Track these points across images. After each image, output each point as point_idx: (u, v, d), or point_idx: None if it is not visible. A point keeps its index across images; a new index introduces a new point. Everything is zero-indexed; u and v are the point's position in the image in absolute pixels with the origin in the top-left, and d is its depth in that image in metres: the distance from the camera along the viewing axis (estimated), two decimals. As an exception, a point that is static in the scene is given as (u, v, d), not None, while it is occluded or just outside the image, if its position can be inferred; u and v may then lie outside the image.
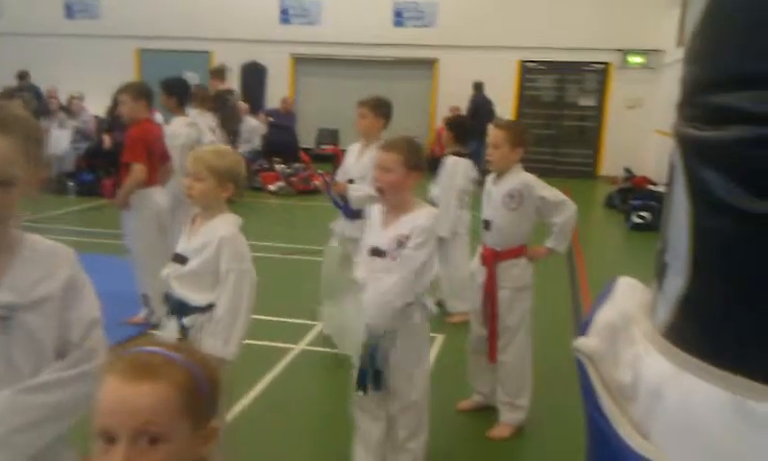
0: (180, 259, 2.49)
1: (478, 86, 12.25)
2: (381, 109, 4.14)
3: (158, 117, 7.11)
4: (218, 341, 2.34)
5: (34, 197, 1.41)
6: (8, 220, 1.39)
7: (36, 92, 11.81)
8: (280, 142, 11.48)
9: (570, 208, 3.29)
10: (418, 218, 2.57)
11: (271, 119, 11.85)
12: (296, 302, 4.93)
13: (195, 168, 2.46)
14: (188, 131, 5.23)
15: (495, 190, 3.31)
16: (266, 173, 10.72)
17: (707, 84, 0.68)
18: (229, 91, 9.87)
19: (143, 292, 4.58)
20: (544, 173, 3.45)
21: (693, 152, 0.71)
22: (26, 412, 1.38)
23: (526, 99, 13.73)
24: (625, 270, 0.94)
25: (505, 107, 12.49)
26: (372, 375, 2.62)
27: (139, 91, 4.66)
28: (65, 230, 7.67)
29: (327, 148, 12.78)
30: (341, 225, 4.17)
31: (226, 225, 2.47)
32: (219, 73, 9.63)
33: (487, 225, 3.33)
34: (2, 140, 1.31)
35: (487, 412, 3.50)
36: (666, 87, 11.71)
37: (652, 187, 9.50)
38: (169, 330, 2.50)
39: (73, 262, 1.49)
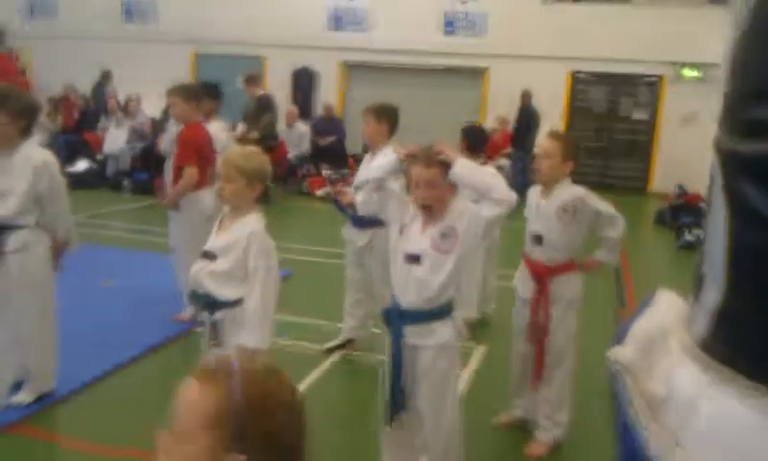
0: (210, 256, 2.60)
1: (526, 96, 12.03)
2: (384, 115, 4.08)
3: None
4: (252, 333, 2.48)
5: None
6: None
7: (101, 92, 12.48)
8: (324, 148, 11.60)
9: (623, 222, 3.25)
10: (463, 211, 2.59)
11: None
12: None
13: (225, 170, 2.59)
14: (225, 135, 5.39)
15: (546, 204, 3.23)
16: (313, 178, 10.86)
17: (745, 96, 0.68)
18: (270, 96, 9.96)
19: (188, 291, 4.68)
20: (593, 186, 3.40)
21: (731, 164, 0.71)
22: None
23: (576, 110, 13.55)
24: (673, 288, 0.93)
25: (555, 117, 12.34)
26: (396, 393, 2.58)
27: (190, 93, 4.69)
28: (120, 227, 7.93)
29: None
30: (349, 232, 4.26)
31: (253, 223, 2.59)
32: (254, 80, 9.70)
33: (538, 240, 3.23)
34: None
35: (524, 428, 3.45)
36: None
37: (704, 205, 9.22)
38: (203, 326, 2.64)
39: None
